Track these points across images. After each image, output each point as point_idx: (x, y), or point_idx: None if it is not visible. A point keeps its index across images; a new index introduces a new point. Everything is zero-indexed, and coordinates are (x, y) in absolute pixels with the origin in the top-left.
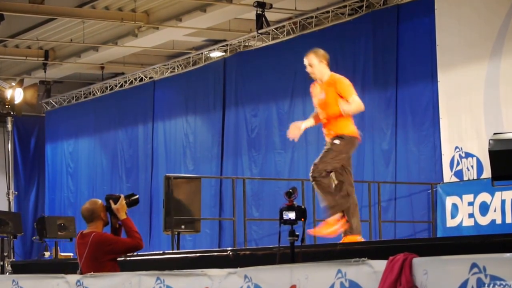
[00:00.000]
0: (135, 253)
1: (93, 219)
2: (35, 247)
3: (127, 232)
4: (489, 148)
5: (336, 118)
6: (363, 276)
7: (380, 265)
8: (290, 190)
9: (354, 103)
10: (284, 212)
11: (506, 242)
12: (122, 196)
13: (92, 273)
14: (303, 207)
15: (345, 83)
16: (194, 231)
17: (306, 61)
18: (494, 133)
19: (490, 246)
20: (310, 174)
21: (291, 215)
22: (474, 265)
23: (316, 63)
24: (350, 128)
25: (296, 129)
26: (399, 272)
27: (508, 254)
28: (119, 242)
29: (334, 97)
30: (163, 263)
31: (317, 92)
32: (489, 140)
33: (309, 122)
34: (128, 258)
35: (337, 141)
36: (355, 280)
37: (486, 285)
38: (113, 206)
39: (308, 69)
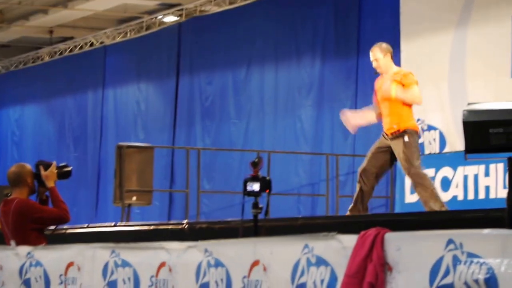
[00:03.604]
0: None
1: (19, 183)
2: None
3: (53, 202)
4: (463, 119)
5: (399, 110)
6: (331, 252)
7: (350, 240)
8: (256, 160)
9: (411, 91)
10: (248, 183)
11: (479, 218)
12: (54, 163)
13: (44, 245)
14: (268, 178)
15: (411, 75)
16: (145, 203)
17: (371, 56)
18: (469, 103)
19: (462, 222)
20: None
21: (255, 186)
22: (450, 241)
23: (381, 57)
24: (412, 122)
25: (352, 126)
26: (370, 248)
27: (486, 230)
28: (46, 211)
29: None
30: (115, 236)
31: (381, 85)
32: (463, 110)
33: (366, 118)
34: (78, 230)
35: (406, 139)
36: (322, 256)
37: (462, 263)
38: (42, 172)
39: (374, 64)
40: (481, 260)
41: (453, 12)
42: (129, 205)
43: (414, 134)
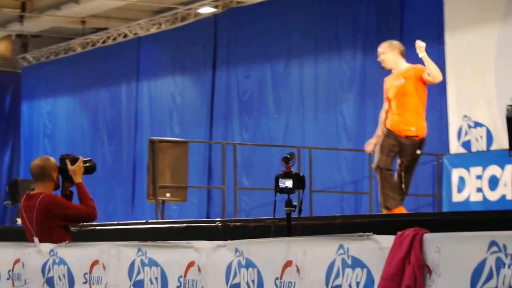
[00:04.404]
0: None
1: (43, 178)
2: (8, 213)
3: (81, 198)
4: (506, 115)
5: (412, 110)
6: (367, 253)
7: (387, 240)
8: (288, 156)
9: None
10: (280, 179)
11: None
12: (81, 158)
13: (67, 242)
14: (301, 174)
15: (415, 66)
16: (180, 200)
17: (379, 50)
18: None
19: (507, 222)
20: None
21: (288, 183)
22: (493, 243)
23: (388, 51)
24: (425, 126)
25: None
26: (408, 249)
27: None
28: (72, 207)
29: (415, 85)
30: (145, 234)
31: (392, 81)
32: (507, 105)
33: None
34: (108, 228)
35: (419, 152)
36: (358, 257)
37: (507, 266)
38: (69, 166)
39: (380, 58)
40: None
41: (500, 3)
42: (163, 201)
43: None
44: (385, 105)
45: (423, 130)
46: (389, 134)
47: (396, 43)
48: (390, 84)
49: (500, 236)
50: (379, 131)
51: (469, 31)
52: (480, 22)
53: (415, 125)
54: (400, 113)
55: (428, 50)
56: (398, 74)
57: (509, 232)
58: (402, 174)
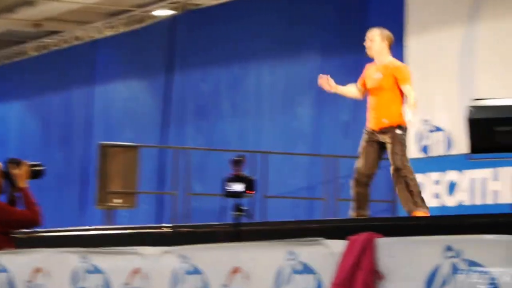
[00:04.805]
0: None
1: None
2: None
3: (26, 203)
4: (468, 116)
5: (389, 104)
6: (318, 258)
7: (338, 245)
8: (237, 158)
9: (411, 92)
10: (229, 182)
11: (484, 223)
12: (27, 162)
13: (8, 249)
14: (251, 177)
15: (406, 69)
16: (130, 206)
17: (367, 35)
18: (475, 99)
19: (465, 228)
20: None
21: (237, 186)
22: (448, 248)
23: (377, 40)
24: (403, 118)
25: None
26: (360, 254)
27: (489, 236)
28: (16, 212)
29: (391, 82)
30: (92, 240)
31: (372, 73)
32: (469, 107)
33: (346, 89)
34: (49, 234)
35: (399, 131)
36: (308, 263)
37: (462, 272)
38: (13, 171)
39: (367, 43)
40: (483, 269)
41: (463, 6)
42: (113, 207)
43: (405, 130)
44: (358, 84)
45: (397, 118)
46: (367, 133)
47: (387, 33)
48: (368, 75)
49: (456, 240)
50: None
51: (432, 34)
52: (443, 24)
53: (387, 116)
54: (373, 108)
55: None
56: (379, 67)
57: (465, 236)
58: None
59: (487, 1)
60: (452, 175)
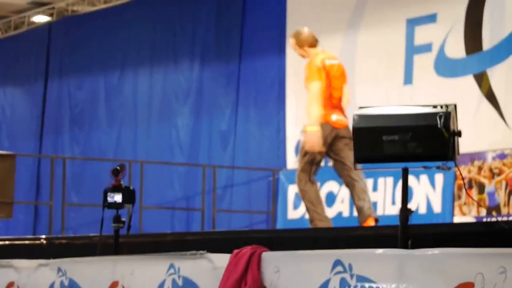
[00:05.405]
0: None
1: None
2: None
3: None
4: (353, 125)
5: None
6: (200, 273)
7: (222, 259)
8: (118, 168)
9: (307, 92)
10: (109, 193)
11: (368, 236)
12: None
13: None
14: (131, 188)
15: (307, 68)
16: (5, 216)
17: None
18: (360, 107)
19: (351, 240)
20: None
21: (117, 197)
22: (337, 263)
23: (297, 49)
24: (311, 117)
25: None
26: (245, 269)
27: (380, 250)
28: None
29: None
30: None
31: None
32: (354, 115)
33: None
34: None
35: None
36: (190, 277)
37: (352, 287)
38: None
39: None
40: (374, 285)
41: (344, 13)
42: None
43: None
44: None
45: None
46: None
47: (304, 35)
48: None
49: (346, 254)
50: None
51: None
52: (323, 31)
53: None
54: None
55: (268, 62)
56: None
57: (354, 250)
58: None
59: (370, 8)
60: (331, 185)
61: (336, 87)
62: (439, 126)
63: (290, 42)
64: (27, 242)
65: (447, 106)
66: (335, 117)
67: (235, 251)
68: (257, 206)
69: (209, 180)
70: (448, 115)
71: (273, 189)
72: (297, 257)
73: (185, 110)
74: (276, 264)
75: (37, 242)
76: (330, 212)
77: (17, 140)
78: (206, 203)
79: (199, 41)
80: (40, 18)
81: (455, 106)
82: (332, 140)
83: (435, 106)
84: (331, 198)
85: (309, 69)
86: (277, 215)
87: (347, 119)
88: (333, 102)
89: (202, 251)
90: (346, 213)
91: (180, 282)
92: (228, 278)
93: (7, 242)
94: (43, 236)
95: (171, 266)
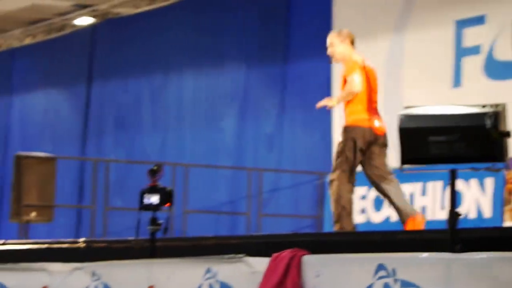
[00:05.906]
0: None
1: None
2: None
3: None
4: (399, 125)
5: (345, 105)
6: (238, 277)
7: (260, 263)
8: (154, 168)
9: (348, 84)
10: (145, 194)
11: (415, 240)
12: None
13: None
14: (168, 188)
15: (348, 61)
16: (46, 220)
17: (327, 41)
18: (406, 107)
19: (395, 245)
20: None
21: (154, 198)
22: (380, 267)
23: (337, 42)
24: (352, 117)
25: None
26: (284, 273)
27: (424, 254)
28: None
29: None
30: (3, 256)
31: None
32: (400, 115)
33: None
34: None
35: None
36: (227, 282)
37: None
38: None
39: (328, 50)
40: None
41: (391, 16)
42: (28, 221)
43: (346, 131)
44: None
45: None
46: None
47: (346, 32)
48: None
49: (389, 258)
50: None
51: (359, 44)
52: (370, 34)
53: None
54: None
55: (315, 64)
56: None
57: (399, 254)
58: None
59: (416, 11)
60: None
61: (375, 90)
62: (487, 126)
63: (329, 36)
64: (65, 245)
65: (496, 105)
66: (377, 123)
67: (275, 254)
68: (304, 210)
69: (254, 184)
70: (497, 115)
71: (320, 193)
72: (339, 261)
73: (231, 113)
74: (317, 268)
75: (75, 245)
76: (378, 217)
77: (61, 144)
78: (251, 207)
79: (244, 43)
80: (84, 20)
81: (505, 105)
82: (369, 145)
83: (484, 106)
84: (379, 203)
85: (351, 63)
86: (324, 220)
87: (385, 125)
88: (373, 106)
89: (240, 255)
90: (394, 218)
91: (217, 287)
92: (267, 282)
93: (44, 246)
94: (82, 239)
95: (208, 270)
